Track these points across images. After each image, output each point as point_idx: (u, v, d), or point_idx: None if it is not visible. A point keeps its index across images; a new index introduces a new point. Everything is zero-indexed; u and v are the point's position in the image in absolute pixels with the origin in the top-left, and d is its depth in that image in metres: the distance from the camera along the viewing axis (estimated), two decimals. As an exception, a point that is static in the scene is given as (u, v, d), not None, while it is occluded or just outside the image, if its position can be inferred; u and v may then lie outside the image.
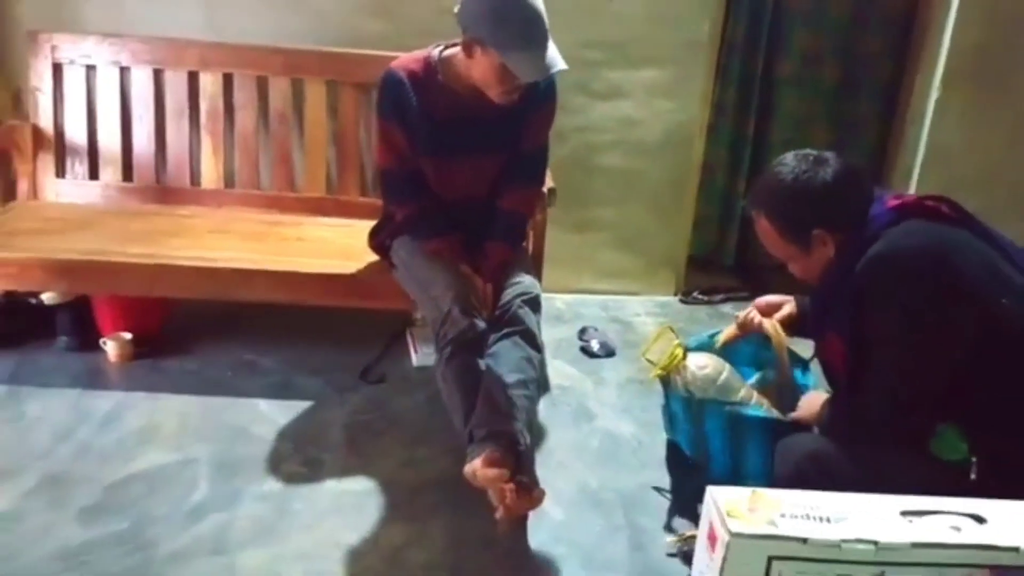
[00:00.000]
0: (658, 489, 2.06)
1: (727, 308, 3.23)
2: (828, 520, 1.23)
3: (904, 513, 1.26)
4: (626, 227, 3.19)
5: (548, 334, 2.78)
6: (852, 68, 3.24)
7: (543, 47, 1.93)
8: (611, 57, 2.96)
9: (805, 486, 1.36)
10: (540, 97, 2.12)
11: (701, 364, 2.00)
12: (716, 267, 3.46)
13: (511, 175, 2.22)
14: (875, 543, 1.19)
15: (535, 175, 2.28)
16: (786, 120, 3.28)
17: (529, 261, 2.33)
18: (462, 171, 2.17)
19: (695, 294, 3.27)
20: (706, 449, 1.97)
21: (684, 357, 2.00)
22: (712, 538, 1.23)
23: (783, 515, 1.23)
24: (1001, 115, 3.11)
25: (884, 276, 1.51)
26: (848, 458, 1.54)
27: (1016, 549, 1.21)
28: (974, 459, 1.52)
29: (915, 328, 1.49)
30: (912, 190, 3.19)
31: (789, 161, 1.63)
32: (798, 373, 2.08)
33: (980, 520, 1.26)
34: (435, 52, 2.10)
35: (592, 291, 3.23)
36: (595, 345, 2.77)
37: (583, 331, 2.87)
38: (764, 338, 2.03)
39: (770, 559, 1.20)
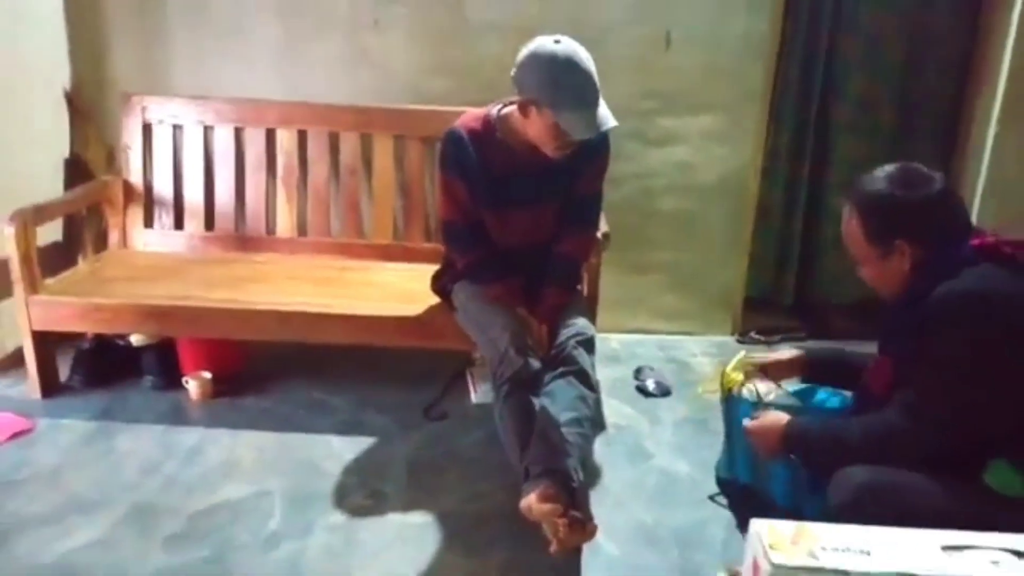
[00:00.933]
0: (713, 498, 2.15)
1: (785, 347, 3.25)
2: (868, 553, 1.27)
3: (945, 548, 1.29)
4: (682, 268, 3.25)
5: (604, 374, 2.86)
6: (908, 111, 3.26)
7: (594, 106, 2.04)
8: (666, 105, 3.06)
9: (860, 517, 1.39)
10: (593, 150, 2.21)
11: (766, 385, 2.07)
12: (774, 307, 3.47)
13: (566, 222, 2.32)
14: None
15: (589, 222, 2.37)
16: (843, 163, 3.30)
17: (584, 304, 2.42)
18: (520, 221, 2.28)
19: (752, 334, 3.30)
20: (767, 471, 2.01)
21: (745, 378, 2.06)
22: (756, 569, 1.29)
23: (824, 548, 1.27)
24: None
25: (951, 311, 1.54)
26: (904, 489, 1.56)
27: None
28: None
29: (962, 361, 1.52)
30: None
31: (896, 169, 1.65)
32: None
33: (1020, 555, 1.28)
34: (494, 111, 2.22)
35: (648, 331, 3.29)
36: (651, 384, 2.83)
37: (639, 371, 2.93)
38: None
39: None
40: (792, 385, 2.09)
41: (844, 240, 1.74)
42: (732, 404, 2.10)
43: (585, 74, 2.00)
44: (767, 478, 2.02)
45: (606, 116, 2.05)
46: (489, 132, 2.19)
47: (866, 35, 3.15)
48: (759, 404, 2.00)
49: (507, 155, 2.19)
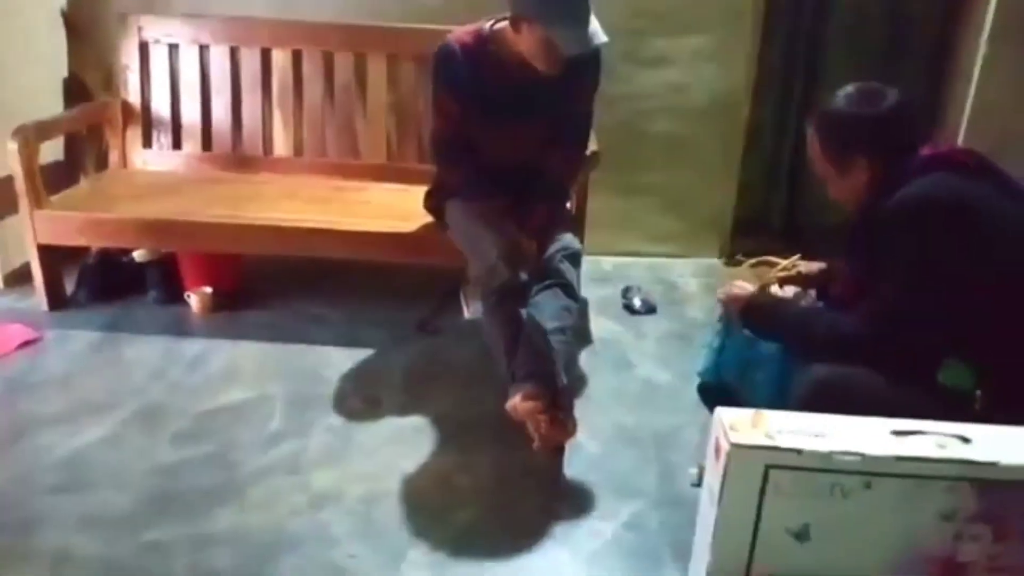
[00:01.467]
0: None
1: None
2: (821, 435, 1.38)
3: (894, 432, 1.40)
4: (673, 191, 3.31)
5: (593, 293, 2.96)
6: (899, 29, 3.26)
7: (586, 22, 2.06)
8: (657, 25, 3.07)
9: (818, 410, 1.48)
10: (585, 67, 2.25)
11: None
12: (763, 230, 3.52)
13: (556, 140, 2.36)
14: (862, 455, 1.34)
15: (579, 140, 2.43)
16: (833, 83, 3.29)
17: (572, 221, 2.48)
18: (511, 136, 2.32)
19: (739, 257, 3.38)
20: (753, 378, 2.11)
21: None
22: (718, 450, 1.40)
23: (780, 431, 1.38)
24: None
25: (902, 218, 1.61)
26: (860, 386, 1.64)
27: (995, 464, 1.33)
28: (979, 391, 1.62)
29: (917, 263, 1.60)
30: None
31: (853, 88, 1.73)
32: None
33: (965, 440, 1.39)
34: (486, 26, 2.25)
35: (639, 253, 3.37)
36: (637, 302, 2.92)
37: (627, 290, 3.01)
38: None
39: (767, 468, 1.35)
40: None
41: (810, 162, 1.83)
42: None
43: None
44: (752, 385, 2.12)
45: (597, 32, 2.08)
46: (481, 46, 2.22)
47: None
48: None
49: (499, 69, 2.22)
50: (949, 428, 1.42)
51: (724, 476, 1.37)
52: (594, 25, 2.08)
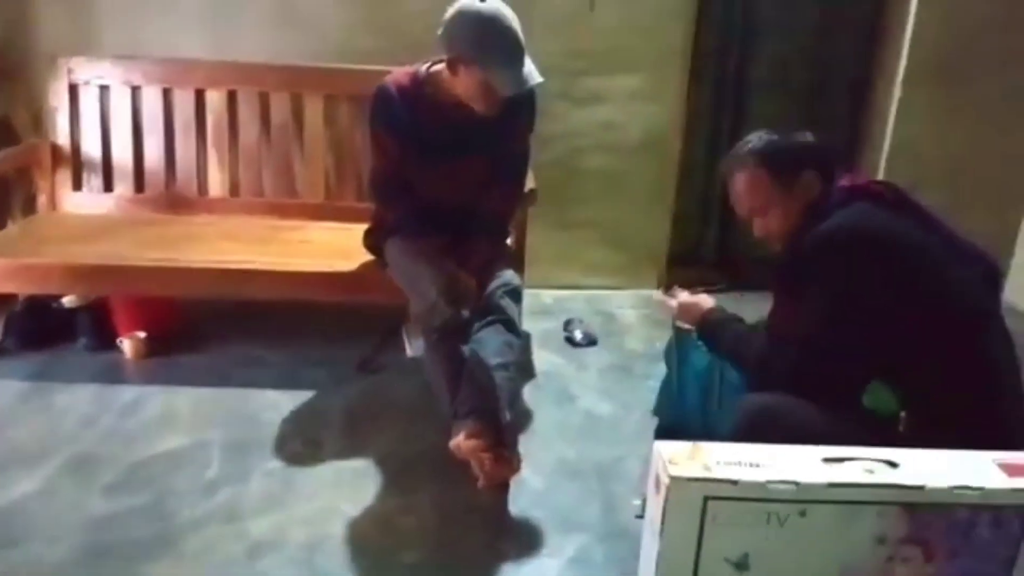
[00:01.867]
0: None
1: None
2: (757, 466, 1.41)
3: (825, 460, 1.44)
4: (609, 225, 3.38)
5: (535, 326, 2.99)
6: (820, 71, 3.41)
7: (521, 62, 2.11)
8: (592, 65, 3.16)
9: (752, 439, 1.52)
10: (520, 107, 2.29)
11: None
12: (698, 261, 3.62)
13: (494, 178, 2.39)
14: (796, 483, 1.37)
15: (516, 178, 2.46)
16: (759, 121, 3.41)
17: (512, 257, 2.51)
18: (447, 175, 2.35)
19: (676, 288, 3.43)
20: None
21: None
22: (658, 483, 1.42)
23: (718, 462, 1.41)
24: (963, 111, 3.28)
25: (828, 249, 1.66)
26: (792, 412, 1.67)
27: (922, 488, 1.38)
28: (903, 413, 1.69)
29: (841, 294, 1.65)
30: (879, 184, 3.36)
31: (763, 133, 1.85)
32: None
33: (893, 465, 1.43)
34: (423, 68, 2.28)
35: (578, 286, 3.41)
36: (578, 335, 2.96)
37: (568, 323, 3.05)
38: None
39: (706, 499, 1.38)
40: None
41: (737, 203, 1.87)
42: (681, 344, 2.23)
43: (511, 31, 2.07)
44: (715, 421, 2.14)
45: (532, 72, 2.13)
46: (418, 88, 2.25)
47: (780, -1, 3.29)
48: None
49: (435, 111, 2.25)
50: (877, 453, 1.46)
51: (664, 509, 1.39)
52: (529, 66, 2.13)
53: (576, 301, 3.32)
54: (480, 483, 1.93)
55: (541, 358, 2.83)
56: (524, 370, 2.66)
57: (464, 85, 2.14)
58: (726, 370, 2.14)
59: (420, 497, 2.04)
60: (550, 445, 2.30)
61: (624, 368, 2.78)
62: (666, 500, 1.39)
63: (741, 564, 1.42)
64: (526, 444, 2.27)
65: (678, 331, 2.26)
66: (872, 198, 1.73)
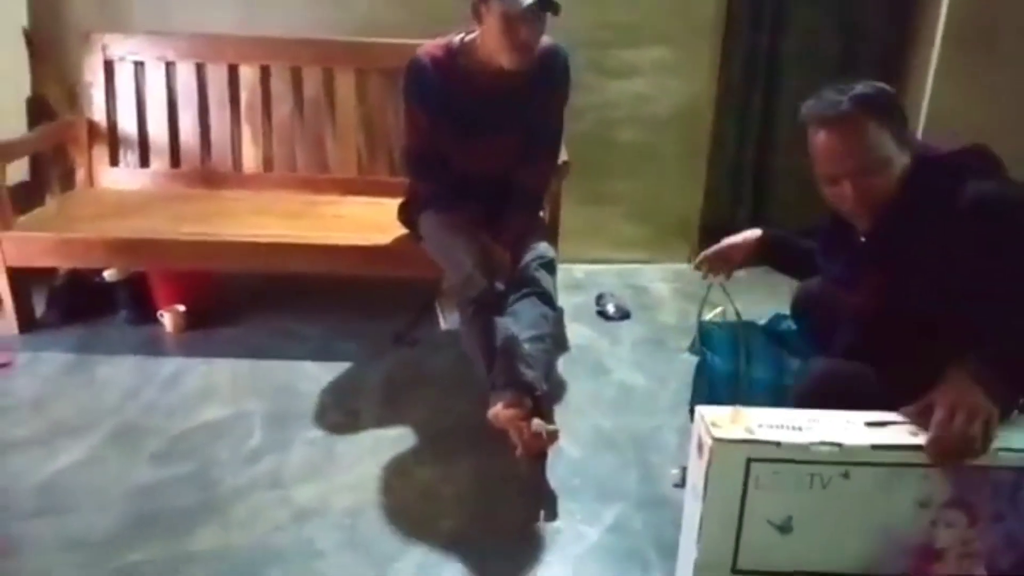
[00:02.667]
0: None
1: (740, 273, 3.37)
2: (799, 429, 1.42)
3: (868, 423, 1.44)
4: (640, 199, 3.37)
5: (567, 300, 2.99)
6: (853, 42, 3.35)
7: None
8: (622, 37, 3.14)
9: (828, 403, 1.48)
10: (554, 79, 2.30)
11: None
12: (728, 234, 3.58)
13: (527, 152, 2.39)
14: (839, 445, 1.38)
15: (550, 152, 2.46)
16: (792, 94, 3.40)
17: (546, 230, 2.52)
18: (482, 149, 2.35)
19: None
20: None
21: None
22: (700, 447, 1.43)
23: (760, 425, 1.42)
24: (998, 78, 3.21)
25: (1010, 219, 1.47)
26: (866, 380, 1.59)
27: None
28: None
29: None
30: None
31: (850, 82, 1.56)
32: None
33: None
34: (456, 39, 2.28)
35: (609, 260, 3.41)
36: (611, 308, 2.96)
37: (600, 297, 3.05)
38: (744, 331, 2.14)
39: (749, 460, 1.39)
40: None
41: (838, 161, 1.54)
42: (706, 339, 2.22)
43: None
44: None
45: None
46: (451, 59, 2.25)
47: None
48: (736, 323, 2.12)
49: (470, 82, 2.25)
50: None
51: (707, 471, 1.40)
52: None
53: (607, 275, 3.31)
54: (518, 452, 1.95)
55: (574, 331, 2.84)
56: (558, 342, 2.67)
57: (490, 31, 2.13)
58: (752, 364, 2.11)
59: (458, 466, 2.07)
60: (586, 416, 2.31)
61: (657, 341, 2.78)
62: (709, 463, 1.40)
63: (784, 527, 1.43)
64: (562, 415, 2.28)
65: (702, 325, 2.25)
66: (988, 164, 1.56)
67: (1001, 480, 1.39)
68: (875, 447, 1.38)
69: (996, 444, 1.36)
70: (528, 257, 2.28)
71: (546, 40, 2.26)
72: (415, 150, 2.39)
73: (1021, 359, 1.42)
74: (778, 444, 1.38)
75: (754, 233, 2.04)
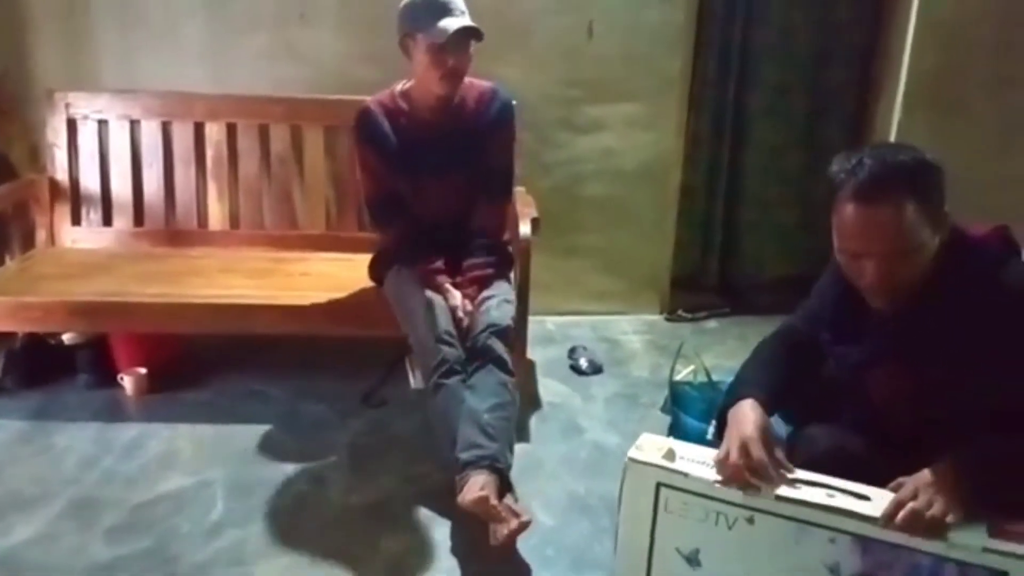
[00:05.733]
0: None
1: (711, 324, 3.41)
2: None
3: (792, 480, 1.43)
4: (611, 251, 3.37)
5: (539, 354, 2.97)
6: (819, 98, 3.42)
7: (450, 14, 2.18)
8: (591, 94, 3.16)
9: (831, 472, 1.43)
10: (496, 118, 2.36)
11: None
12: (699, 287, 3.61)
13: (479, 194, 2.41)
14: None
15: (500, 194, 2.46)
16: (760, 148, 3.46)
17: (510, 282, 2.46)
18: (432, 190, 2.37)
19: (679, 312, 3.44)
20: None
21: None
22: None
23: (682, 457, 1.47)
24: (961, 135, 3.28)
25: None
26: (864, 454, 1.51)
27: (876, 520, 1.33)
28: None
29: None
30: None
31: (881, 147, 1.47)
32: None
33: (864, 498, 1.38)
34: (398, 87, 2.37)
35: (582, 312, 3.40)
36: (583, 363, 2.93)
37: (572, 350, 3.03)
38: (715, 392, 2.17)
39: (658, 485, 1.46)
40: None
41: (874, 238, 1.39)
42: (678, 400, 2.21)
43: None
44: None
45: (468, 23, 2.18)
46: (395, 104, 2.34)
47: (778, 26, 3.30)
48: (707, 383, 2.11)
49: (414, 124, 2.32)
50: (853, 486, 1.41)
51: (621, 487, 1.50)
52: (465, 18, 2.20)
53: (580, 328, 3.30)
54: (492, 541, 1.87)
55: (547, 387, 2.81)
56: (522, 405, 2.60)
57: (418, 63, 2.22)
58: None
59: (429, 535, 2.01)
60: (559, 480, 2.27)
61: (630, 397, 2.76)
62: (623, 479, 1.50)
63: (692, 559, 1.48)
64: (535, 480, 2.24)
65: (674, 386, 2.24)
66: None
67: (918, 563, 1.32)
68: (779, 498, 1.39)
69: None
70: (482, 323, 2.23)
71: (487, 84, 2.38)
72: (374, 196, 2.41)
73: (1007, 467, 1.39)
74: (686, 475, 1.44)
75: (750, 415, 1.55)
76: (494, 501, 1.85)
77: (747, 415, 1.51)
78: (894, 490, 1.38)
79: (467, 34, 2.19)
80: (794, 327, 1.75)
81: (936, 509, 1.31)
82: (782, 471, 1.45)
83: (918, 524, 1.31)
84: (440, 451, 2.11)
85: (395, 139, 2.32)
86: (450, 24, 2.15)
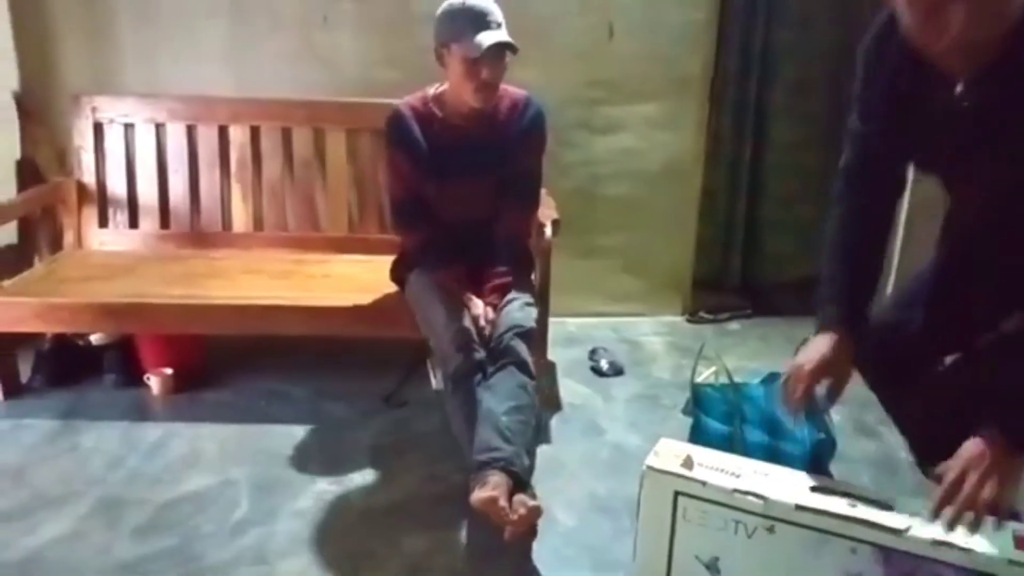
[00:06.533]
0: None
1: (733, 326, 3.39)
2: (737, 475, 1.44)
3: (814, 488, 1.42)
4: (632, 252, 3.36)
5: (561, 355, 2.97)
6: (841, 96, 3.38)
7: (487, 27, 2.16)
8: (611, 94, 3.16)
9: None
10: (527, 126, 2.34)
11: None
12: (721, 287, 3.59)
13: (505, 199, 2.40)
14: (764, 498, 1.40)
15: (528, 199, 2.45)
16: (781, 147, 3.43)
17: (532, 288, 2.46)
18: (460, 194, 2.37)
19: (700, 313, 3.42)
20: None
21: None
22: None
23: (700, 464, 1.46)
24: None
25: None
26: None
27: (899, 531, 1.32)
28: None
29: None
30: (907, 192, 3.31)
31: None
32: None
33: (887, 507, 1.37)
34: (430, 91, 2.36)
35: (603, 314, 3.39)
36: (604, 364, 2.93)
37: (593, 351, 3.03)
38: (737, 395, 2.13)
39: (676, 494, 1.45)
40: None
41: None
42: (700, 402, 2.20)
43: (478, 4, 2.16)
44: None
45: (505, 37, 2.17)
46: (427, 108, 2.33)
47: (798, 23, 3.28)
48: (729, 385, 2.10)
49: (445, 129, 2.31)
50: (875, 494, 1.42)
51: (640, 495, 1.50)
52: (504, 33, 2.18)
53: (601, 329, 3.30)
54: (506, 536, 1.88)
55: (568, 388, 2.81)
56: (541, 408, 2.59)
57: (452, 73, 2.21)
58: (745, 427, 2.10)
59: (450, 535, 2.02)
60: (580, 481, 2.27)
61: (651, 398, 2.75)
62: (641, 487, 1.50)
63: (711, 566, 1.47)
64: (555, 480, 2.24)
65: (695, 388, 2.22)
66: None
67: (940, 575, 1.30)
68: (799, 507, 1.38)
69: (938, 537, 1.30)
70: (505, 325, 2.23)
71: (521, 92, 2.37)
72: (399, 198, 2.41)
73: None
74: (704, 484, 1.43)
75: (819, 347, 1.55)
76: (503, 503, 1.84)
77: (816, 347, 1.54)
78: (939, 477, 1.35)
79: (503, 48, 2.17)
80: (862, 157, 1.63)
81: (988, 491, 1.28)
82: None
83: (973, 509, 1.28)
84: (460, 452, 2.12)
85: (425, 143, 2.31)
86: (485, 39, 2.12)
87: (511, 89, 2.36)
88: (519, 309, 2.28)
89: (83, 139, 2.98)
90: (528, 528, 1.90)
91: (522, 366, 2.16)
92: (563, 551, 1.97)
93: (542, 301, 2.46)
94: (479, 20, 2.15)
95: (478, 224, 2.39)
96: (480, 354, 2.17)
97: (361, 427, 2.53)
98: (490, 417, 2.04)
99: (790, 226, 3.51)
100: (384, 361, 2.86)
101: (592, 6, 3.06)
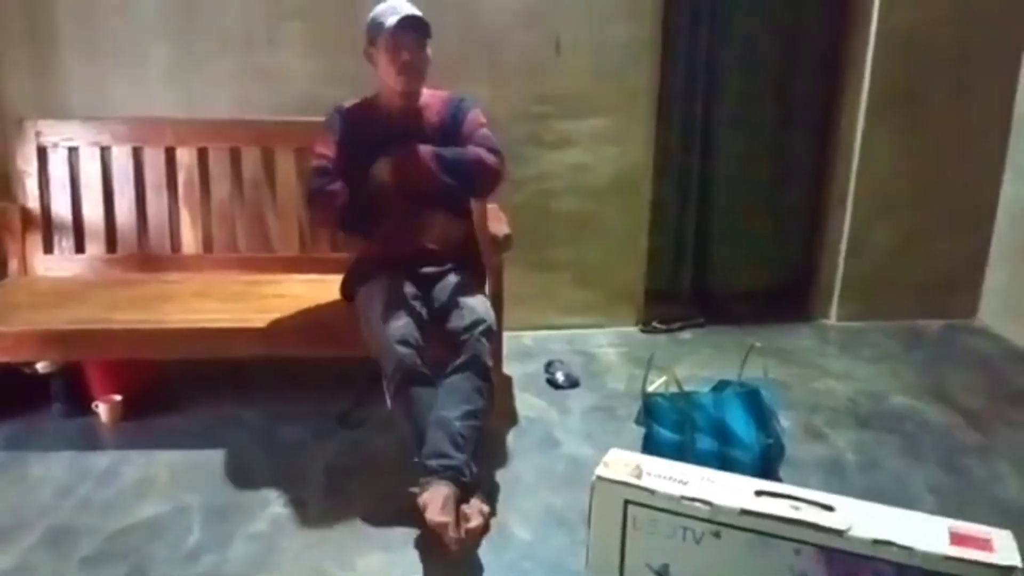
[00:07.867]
0: None
1: (686, 335, 3.45)
2: (684, 483, 1.48)
3: (757, 492, 1.46)
4: (585, 265, 3.40)
5: (516, 369, 2.99)
6: (785, 107, 3.48)
7: (405, 8, 2.33)
8: (559, 109, 3.20)
9: None
10: (458, 110, 2.46)
11: None
12: (673, 298, 3.64)
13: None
14: (709, 503, 1.44)
15: (488, 145, 2.41)
16: (728, 158, 3.51)
17: (485, 295, 2.45)
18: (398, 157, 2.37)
19: (654, 324, 3.47)
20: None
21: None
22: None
23: (649, 473, 1.49)
24: (924, 141, 3.36)
25: None
26: None
27: (840, 532, 1.37)
28: None
29: None
30: (848, 216, 3.42)
31: None
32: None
33: (828, 508, 1.42)
34: (369, 95, 2.51)
35: (557, 326, 3.42)
36: (560, 377, 2.95)
37: (549, 364, 3.05)
38: (687, 403, 2.20)
39: (626, 503, 1.48)
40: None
41: None
42: (651, 411, 2.24)
43: (396, 2, 2.35)
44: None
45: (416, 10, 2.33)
46: (362, 109, 2.49)
47: (742, 38, 3.36)
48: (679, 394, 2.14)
49: (379, 126, 2.43)
50: (817, 496, 1.46)
51: (590, 504, 1.53)
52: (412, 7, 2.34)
53: (557, 341, 3.32)
54: (452, 546, 1.89)
55: (524, 402, 2.82)
56: (494, 414, 2.61)
57: (381, 69, 2.37)
58: (696, 436, 2.15)
59: (406, 554, 2.02)
60: (535, 494, 2.28)
61: (607, 409, 2.78)
62: (591, 497, 1.53)
63: (662, 573, 1.50)
64: (511, 494, 2.26)
65: (646, 398, 2.27)
66: None
67: (881, 573, 1.35)
68: (744, 512, 1.42)
69: (878, 535, 1.35)
70: (468, 320, 2.23)
71: (448, 93, 2.51)
72: (320, 166, 2.40)
73: None
74: (652, 492, 1.46)
75: None
76: (453, 533, 1.86)
77: None
78: None
79: (413, 23, 2.30)
80: None
81: None
82: None
83: None
84: (416, 471, 2.10)
85: (359, 138, 2.40)
86: (398, 16, 2.28)
87: (441, 92, 2.49)
88: (482, 304, 2.30)
89: (27, 163, 2.93)
90: (473, 541, 1.91)
91: (482, 369, 2.17)
92: (520, 564, 1.98)
93: (496, 315, 2.46)
94: (395, 10, 2.32)
95: (413, 191, 2.36)
96: (418, 356, 2.16)
97: (316, 449, 2.51)
98: (443, 422, 2.05)
99: (739, 236, 3.59)
100: (339, 382, 2.85)
101: (539, 22, 3.10)
